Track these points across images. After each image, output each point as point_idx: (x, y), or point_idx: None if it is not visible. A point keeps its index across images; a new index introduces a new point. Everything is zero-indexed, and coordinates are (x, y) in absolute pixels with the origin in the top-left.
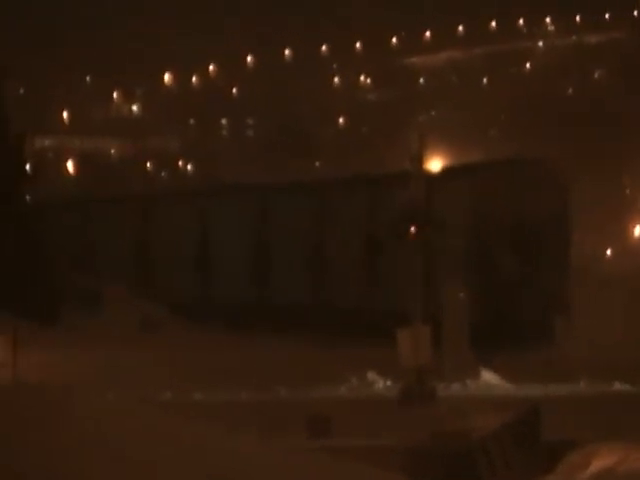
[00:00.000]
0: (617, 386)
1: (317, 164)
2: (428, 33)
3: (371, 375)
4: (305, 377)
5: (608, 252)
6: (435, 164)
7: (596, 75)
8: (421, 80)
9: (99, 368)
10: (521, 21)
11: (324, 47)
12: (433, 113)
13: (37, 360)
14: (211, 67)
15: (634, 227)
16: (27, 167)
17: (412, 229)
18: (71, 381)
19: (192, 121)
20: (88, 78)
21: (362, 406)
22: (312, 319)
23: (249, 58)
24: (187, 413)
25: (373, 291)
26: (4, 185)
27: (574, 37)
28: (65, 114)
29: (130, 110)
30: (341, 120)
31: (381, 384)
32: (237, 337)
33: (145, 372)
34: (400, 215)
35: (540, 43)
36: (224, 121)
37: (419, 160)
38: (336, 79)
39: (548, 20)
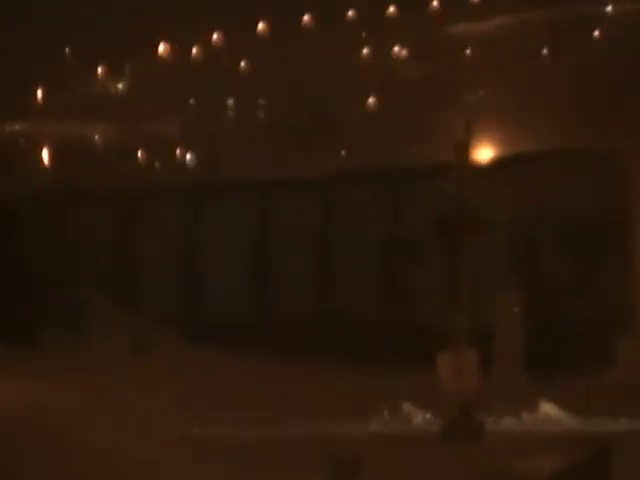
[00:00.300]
0: None
1: (342, 153)
2: None
3: (407, 407)
4: (327, 409)
5: None
6: (484, 154)
7: None
8: (468, 52)
9: (83, 398)
10: None
11: (350, 12)
12: (482, 92)
13: (9, 389)
14: (214, 36)
15: None
16: None
17: (455, 230)
18: (50, 414)
19: (192, 101)
20: (67, 51)
21: (397, 444)
22: (333, 338)
23: (260, 25)
24: (186, 451)
25: (407, 305)
26: None
27: None
28: (39, 93)
29: (117, 88)
30: (371, 100)
31: (419, 417)
32: (242, 361)
33: (136, 402)
34: (441, 214)
35: (609, 8)
36: (230, 101)
37: (465, 149)
38: (365, 50)
39: None
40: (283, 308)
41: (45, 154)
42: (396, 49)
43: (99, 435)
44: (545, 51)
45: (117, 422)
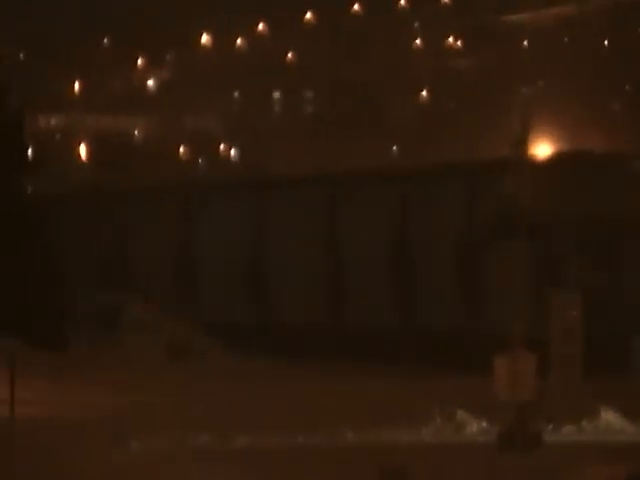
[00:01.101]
0: None
1: (394, 149)
2: None
3: (461, 414)
4: (376, 417)
5: None
6: (542, 150)
7: None
8: (525, 43)
9: (117, 406)
10: None
11: (403, 1)
12: (540, 84)
13: (41, 395)
14: (260, 26)
15: None
16: (28, 152)
17: (512, 232)
18: (82, 423)
19: (236, 95)
20: (105, 40)
21: (449, 454)
22: (385, 343)
23: (308, 15)
24: (229, 463)
25: (462, 308)
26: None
27: None
28: (77, 86)
29: (158, 81)
30: (424, 93)
31: (474, 426)
32: (291, 366)
33: (175, 410)
34: (497, 214)
35: None
36: (276, 95)
37: (523, 145)
38: (417, 41)
39: None
40: (333, 313)
41: (82, 149)
42: (450, 40)
43: (130, 438)
44: (606, 42)
45: (150, 427)
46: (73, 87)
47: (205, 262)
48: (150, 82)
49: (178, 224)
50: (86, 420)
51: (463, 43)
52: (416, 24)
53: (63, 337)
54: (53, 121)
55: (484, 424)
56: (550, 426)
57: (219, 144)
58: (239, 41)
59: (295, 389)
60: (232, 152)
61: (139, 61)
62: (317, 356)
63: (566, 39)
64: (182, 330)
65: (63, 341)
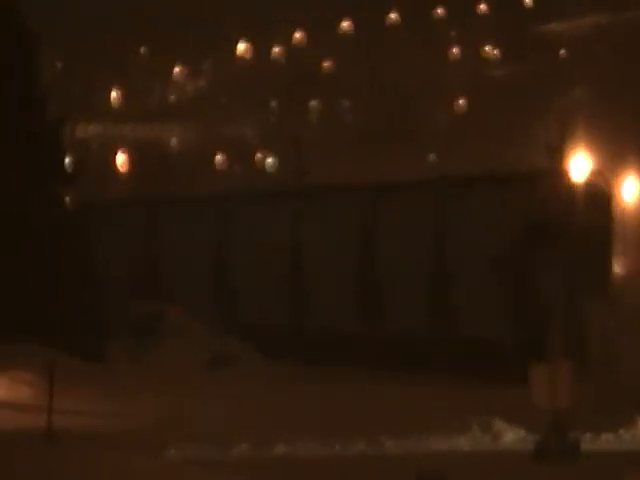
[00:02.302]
0: None
1: (430, 157)
2: None
3: (498, 423)
4: (415, 425)
5: None
6: (579, 160)
7: None
8: (561, 52)
9: (156, 416)
10: None
11: (439, 9)
12: (577, 94)
13: (79, 404)
14: (297, 35)
15: None
16: (66, 161)
17: (549, 240)
18: (121, 433)
19: (273, 103)
20: (142, 50)
21: (486, 463)
22: (420, 351)
23: (345, 23)
24: (269, 471)
25: (499, 316)
26: (36, 185)
27: None
28: (114, 94)
29: (195, 90)
30: (460, 102)
31: (511, 435)
32: (330, 374)
33: (216, 420)
34: (535, 223)
35: None
36: (314, 103)
37: (559, 154)
38: (454, 50)
39: None
40: (373, 323)
41: (121, 159)
42: (487, 49)
43: (169, 447)
44: None
45: (189, 443)
46: (111, 96)
47: (242, 269)
48: (187, 91)
49: (214, 234)
50: (125, 429)
51: (500, 52)
52: (453, 33)
53: (102, 347)
54: (91, 130)
55: (521, 433)
56: (587, 435)
57: (256, 152)
58: (276, 49)
59: (334, 397)
60: (269, 160)
61: (176, 70)
62: (355, 364)
63: (602, 48)
64: (222, 338)
65: (102, 351)
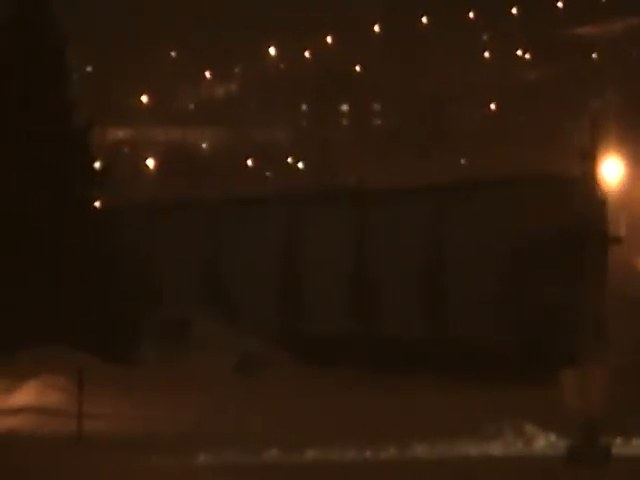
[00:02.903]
0: None
1: (462, 162)
2: None
3: (529, 428)
4: (447, 429)
5: None
6: (612, 164)
7: None
8: (594, 55)
9: (184, 420)
10: None
11: (471, 13)
12: (608, 97)
13: (109, 408)
14: (328, 38)
15: None
16: (96, 165)
17: (581, 245)
18: (150, 436)
19: (304, 107)
20: (173, 53)
21: (518, 467)
22: (453, 358)
23: (376, 27)
24: (299, 476)
25: (531, 321)
26: (66, 188)
27: None
28: (144, 98)
29: (226, 93)
30: (491, 105)
31: (542, 440)
32: (359, 379)
33: (244, 424)
34: (567, 227)
35: None
36: (344, 107)
37: (592, 158)
38: (486, 53)
39: None
40: (399, 327)
41: (151, 162)
42: (519, 52)
43: (198, 452)
44: None
45: (217, 448)
46: (141, 100)
47: (272, 276)
48: (217, 94)
49: (244, 238)
50: (154, 433)
51: (531, 55)
52: (484, 36)
53: (131, 352)
54: (121, 134)
55: (553, 438)
56: (619, 440)
57: (287, 156)
58: (306, 54)
59: (363, 402)
60: (300, 164)
61: (206, 74)
62: (385, 369)
63: (635, 51)
64: (250, 343)
65: (131, 355)
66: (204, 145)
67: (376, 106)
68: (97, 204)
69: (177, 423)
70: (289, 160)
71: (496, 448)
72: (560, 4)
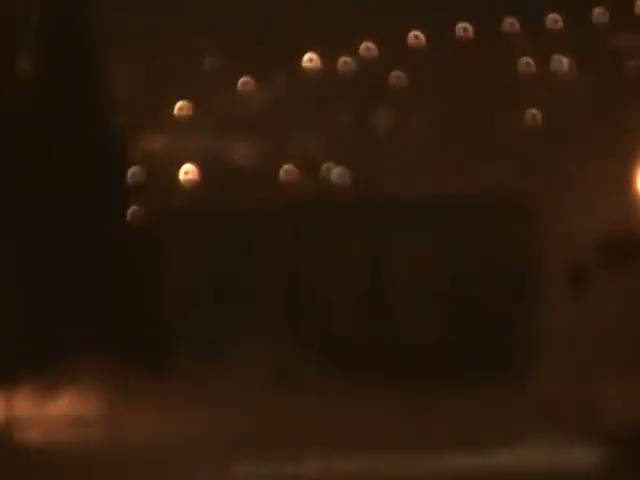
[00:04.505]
0: None
1: (507, 171)
2: None
3: (557, 436)
4: (470, 439)
5: None
6: None
7: None
8: (632, 64)
9: (221, 431)
10: None
11: (509, 20)
12: None
13: (139, 417)
14: (365, 45)
15: None
16: (133, 173)
17: (623, 256)
18: (184, 448)
19: (341, 115)
20: (208, 61)
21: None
22: (477, 367)
23: (413, 33)
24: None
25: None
26: (101, 196)
27: None
28: (180, 107)
29: (262, 101)
30: (532, 113)
31: (573, 449)
32: (387, 391)
33: (284, 436)
34: (611, 239)
35: None
36: (382, 116)
37: (631, 166)
38: (526, 61)
39: None
40: (424, 338)
41: (186, 170)
42: (558, 61)
43: (236, 461)
44: None
45: (255, 460)
46: (175, 110)
47: (311, 286)
48: (254, 104)
49: (281, 246)
50: (190, 443)
51: (573, 65)
52: (524, 44)
53: (168, 362)
54: (156, 142)
55: (583, 448)
56: None
57: (324, 164)
58: (343, 60)
59: (398, 409)
60: (336, 171)
61: (242, 81)
62: (416, 375)
63: None
64: (288, 350)
65: (167, 361)
66: (239, 153)
67: (415, 115)
68: (133, 212)
69: (214, 433)
70: (324, 168)
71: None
72: (599, 11)
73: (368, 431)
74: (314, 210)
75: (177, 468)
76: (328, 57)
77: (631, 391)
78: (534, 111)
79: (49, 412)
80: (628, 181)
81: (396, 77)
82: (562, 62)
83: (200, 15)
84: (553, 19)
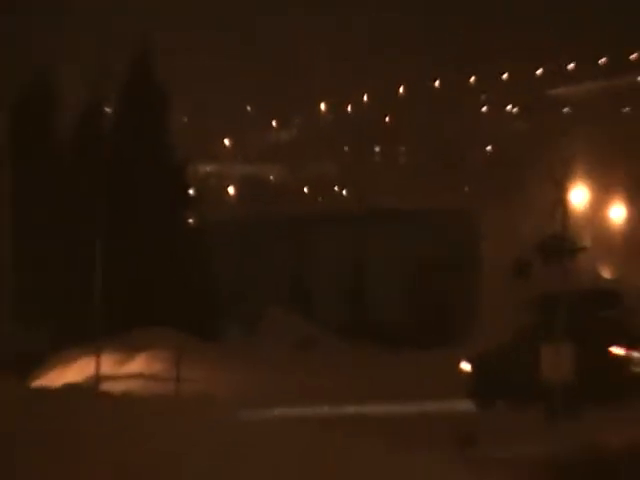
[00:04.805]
0: None
1: (465, 189)
2: (572, 65)
3: None
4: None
5: None
6: (579, 193)
7: None
8: (565, 110)
9: (259, 384)
10: None
11: (472, 78)
12: (577, 141)
13: (199, 375)
14: (365, 97)
15: None
16: (190, 192)
17: (555, 254)
18: (233, 397)
19: (347, 148)
20: (248, 107)
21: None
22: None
23: (401, 89)
24: (343, 427)
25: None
26: (168, 209)
27: None
28: (226, 141)
29: (288, 137)
30: (489, 147)
31: None
32: (389, 354)
33: (303, 388)
34: (545, 242)
35: None
36: (377, 148)
37: (562, 186)
38: (484, 108)
39: None
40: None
41: (231, 190)
42: (509, 107)
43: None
44: (627, 109)
45: (285, 405)
46: (224, 143)
47: (321, 278)
48: (281, 138)
49: (300, 247)
50: (236, 392)
51: (519, 110)
52: (483, 96)
53: (220, 333)
54: (209, 169)
55: None
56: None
57: (334, 185)
58: (349, 108)
59: (389, 371)
60: (344, 191)
61: (273, 122)
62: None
63: (597, 108)
64: (307, 327)
65: (220, 336)
66: (271, 177)
67: (401, 148)
68: (191, 222)
69: (255, 386)
70: (335, 188)
71: None
72: (539, 71)
73: (366, 383)
74: (325, 219)
75: (229, 412)
76: (337, 105)
77: None
78: (489, 147)
79: (128, 370)
80: (559, 198)
81: (387, 119)
82: (511, 108)
83: (239, 75)
84: (505, 76)
